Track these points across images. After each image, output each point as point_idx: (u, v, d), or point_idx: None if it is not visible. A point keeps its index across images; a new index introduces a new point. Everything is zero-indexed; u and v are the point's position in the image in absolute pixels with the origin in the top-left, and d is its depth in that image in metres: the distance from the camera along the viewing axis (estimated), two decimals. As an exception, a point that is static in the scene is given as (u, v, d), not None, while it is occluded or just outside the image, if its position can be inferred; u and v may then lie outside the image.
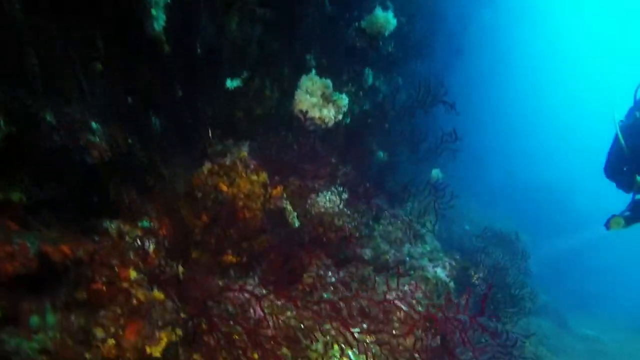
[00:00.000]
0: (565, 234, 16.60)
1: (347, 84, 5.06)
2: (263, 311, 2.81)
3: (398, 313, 3.42)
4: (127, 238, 2.19)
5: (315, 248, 3.94)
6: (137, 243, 2.18)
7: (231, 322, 2.74)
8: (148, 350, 2.28)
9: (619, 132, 4.45)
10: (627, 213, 4.55)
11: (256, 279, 3.28)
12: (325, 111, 3.29)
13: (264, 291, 3.20)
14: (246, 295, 2.92)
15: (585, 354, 10.04)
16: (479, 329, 2.96)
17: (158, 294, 2.11)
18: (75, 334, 1.92)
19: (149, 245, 2.21)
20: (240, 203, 3.06)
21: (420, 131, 3.92)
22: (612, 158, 4.64)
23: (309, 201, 3.45)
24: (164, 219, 2.88)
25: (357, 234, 4.48)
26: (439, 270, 4.62)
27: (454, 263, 5.26)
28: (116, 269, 2.05)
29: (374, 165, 6.21)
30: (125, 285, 2.06)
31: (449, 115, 4.73)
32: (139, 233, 2.25)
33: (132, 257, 2.11)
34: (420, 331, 3.48)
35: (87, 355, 1.88)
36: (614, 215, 4.59)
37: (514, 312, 4.76)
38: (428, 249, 5.78)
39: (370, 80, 5.41)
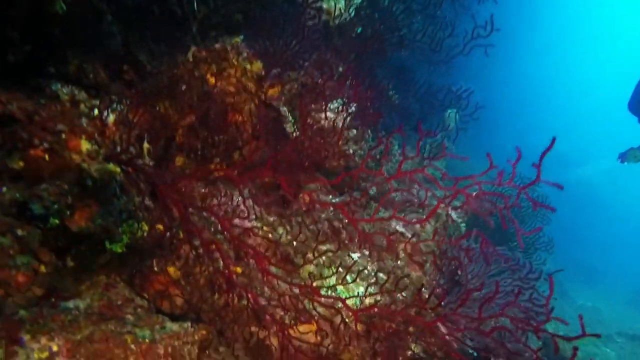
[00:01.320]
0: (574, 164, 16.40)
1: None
2: (250, 222, 2.43)
3: (404, 242, 3.04)
4: (81, 107, 1.76)
5: (315, 173, 3.54)
6: (94, 112, 1.75)
7: (212, 230, 2.36)
8: (107, 244, 1.92)
9: None
10: None
11: (247, 192, 2.88)
12: (332, 2, 2.77)
13: (255, 207, 2.82)
14: (233, 203, 2.53)
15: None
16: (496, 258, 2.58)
17: (114, 168, 1.70)
18: (7, 207, 1.53)
19: (109, 116, 1.78)
20: (230, 101, 2.62)
21: (447, 26, 3.39)
22: (638, 92, 4.53)
23: (311, 112, 3.00)
24: (140, 110, 2.45)
25: (363, 166, 4.06)
26: (450, 211, 4.22)
27: (466, 207, 4.86)
28: (63, 136, 1.63)
29: (384, 106, 5.70)
30: (75, 157, 1.65)
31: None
32: (98, 103, 1.81)
33: (85, 125, 1.68)
34: (428, 264, 3.12)
35: (20, 232, 1.49)
36: (632, 148, 4.58)
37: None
38: (438, 194, 5.38)
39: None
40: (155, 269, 2.38)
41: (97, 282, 2.16)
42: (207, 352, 2.44)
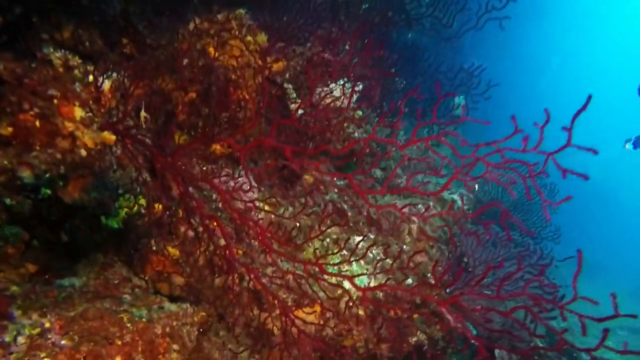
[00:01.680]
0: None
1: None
2: (252, 202, 2.34)
3: (410, 226, 2.96)
4: (75, 72, 1.66)
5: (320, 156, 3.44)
6: (88, 78, 1.65)
7: (213, 207, 2.28)
8: (103, 219, 1.83)
9: None
10: None
11: (249, 173, 2.79)
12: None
13: (260, 188, 2.73)
14: (233, 183, 2.44)
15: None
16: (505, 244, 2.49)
17: (110, 136, 1.61)
18: (-5, 175, 1.44)
19: (104, 82, 1.68)
20: (233, 76, 2.51)
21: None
22: None
23: (317, 90, 2.89)
24: (139, 83, 2.35)
25: (367, 150, 3.96)
26: (456, 197, 4.13)
27: (471, 196, 4.77)
28: (55, 102, 1.53)
29: (391, 87, 5.56)
30: (68, 124, 1.55)
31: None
32: (93, 69, 1.71)
33: (78, 91, 1.58)
34: (434, 250, 3.04)
35: (8, 201, 1.40)
36: None
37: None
38: (444, 181, 5.29)
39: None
40: (154, 248, 2.30)
41: (94, 260, 2.08)
42: (207, 335, 2.37)
